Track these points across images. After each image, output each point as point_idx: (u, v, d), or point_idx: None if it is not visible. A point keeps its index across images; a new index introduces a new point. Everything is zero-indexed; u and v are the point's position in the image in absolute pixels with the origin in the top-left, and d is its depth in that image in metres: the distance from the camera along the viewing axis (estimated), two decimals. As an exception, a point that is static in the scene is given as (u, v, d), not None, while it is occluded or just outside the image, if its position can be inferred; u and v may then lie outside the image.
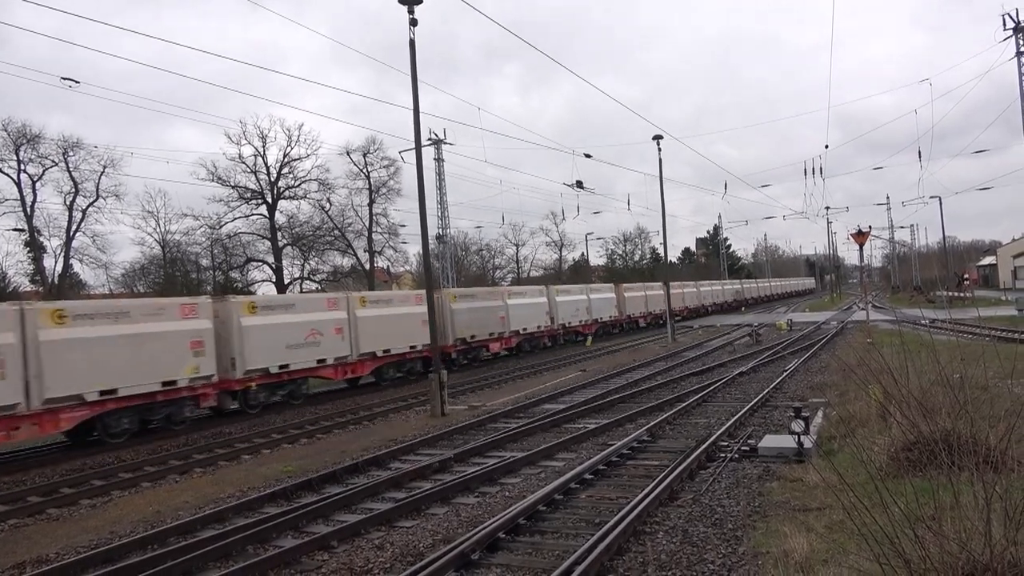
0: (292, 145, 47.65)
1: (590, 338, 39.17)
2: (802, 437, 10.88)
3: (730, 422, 13.75)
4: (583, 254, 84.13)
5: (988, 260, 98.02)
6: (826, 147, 73.89)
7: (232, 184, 46.90)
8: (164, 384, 17.24)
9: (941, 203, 66.35)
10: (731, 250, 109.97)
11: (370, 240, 51.86)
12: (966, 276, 65.82)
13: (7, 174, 40.44)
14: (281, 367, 20.59)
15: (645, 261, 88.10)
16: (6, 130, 39.57)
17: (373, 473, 12.26)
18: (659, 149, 36.68)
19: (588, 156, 35.96)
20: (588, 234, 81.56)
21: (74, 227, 42.74)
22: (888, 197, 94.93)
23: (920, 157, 44.41)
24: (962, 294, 57.15)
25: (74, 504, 11.88)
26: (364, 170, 51.26)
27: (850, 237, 32.55)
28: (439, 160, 45.65)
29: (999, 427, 6.99)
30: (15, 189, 40.81)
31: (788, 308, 71.84)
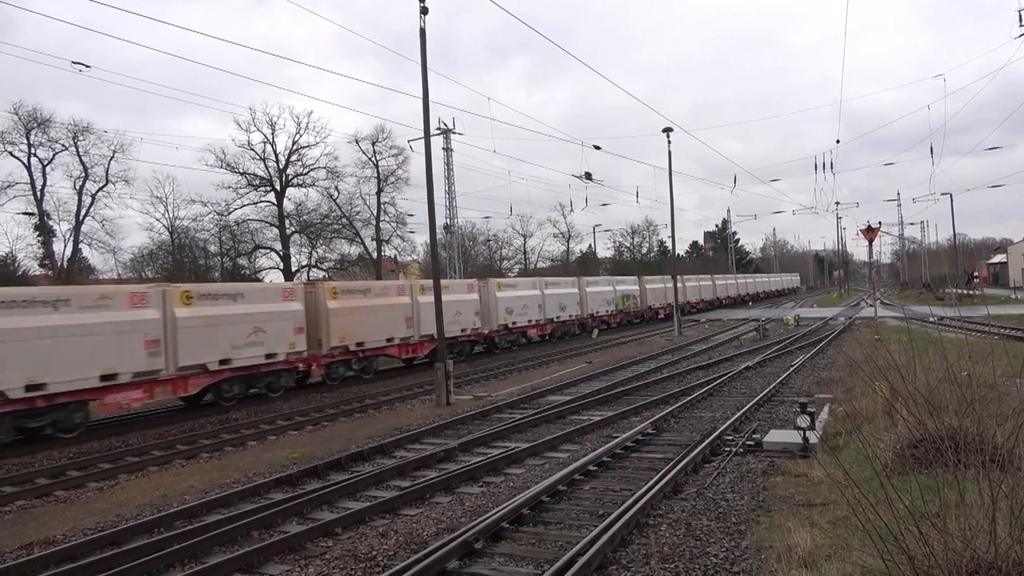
0: (301, 133, 47.65)
1: (596, 331, 39.12)
2: (807, 432, 10.86)
3: (735, 416, 13.74)
4: (591, 246, 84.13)
5: (999, 258, 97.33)
6: (837, 142, 73.60)
7: (241, 171, 47.02)
8: None
9: (952, 200, 65.90)
10: (739, 244, 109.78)
11: (378, 229, 51.90)
12: (976, 274, 65.45)
13: (17, 157, 40.66)
14: (32, 388, 14.60)
15: (653, 254, 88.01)
16: (17, 114, 39.73)
17: (378, 461, 12.31)
18: (668, 142, 36.59)
19: (598, 148, 35.91)
20: (596, 226, 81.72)
21: (83, 211, 42.94)
22: (899, 193, 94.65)
23: (932, 153, 44.27)
24: (972, 292, 56.87)
25: (81, 487, 11.98)
26: (372, 158, 51.19)
27: (859, 233, 32.38)
28: (448, 150, 45.56)
29: (1006, 425, 6.96)
30: (25, 173, 41.05)
31: (796, 303, 71.65)
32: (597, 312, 40.62)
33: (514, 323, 32.41)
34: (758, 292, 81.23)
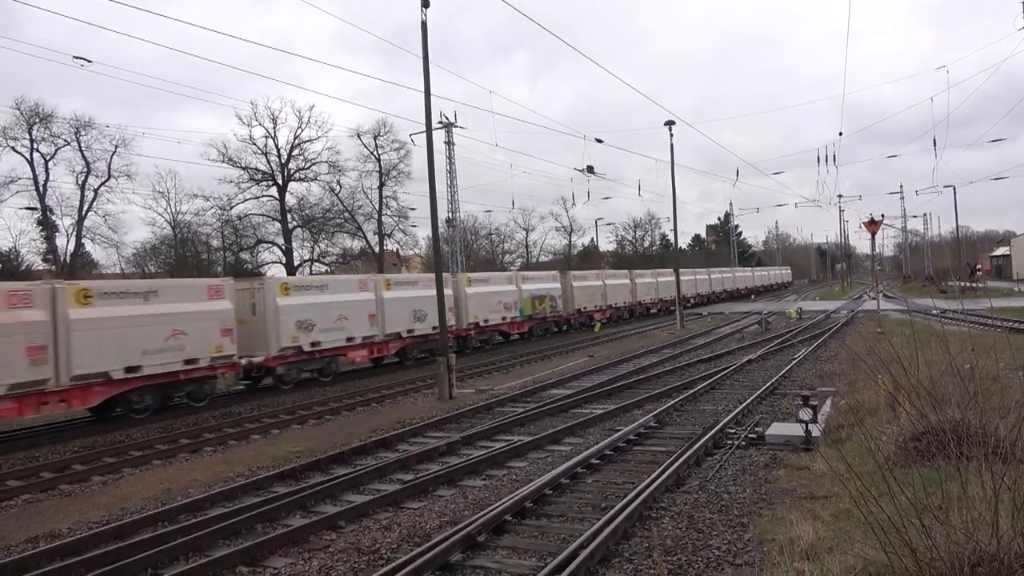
0: (303, 127, 47.62)
1: (598, 324, 39.10)
2: (810, 425, 10.86)
3: (737, 409, 13.75)
4: (593, 239, 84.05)
5: (1002, 251, 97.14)
6: (840, 135, 73.20)
7: (243, 165, 47.01)
8: None
9: (955, 192, 65.85)
10: (742, 237, 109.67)
11: (380, 223, 51.89)
12: (979, 266, 65.33)
13: (20, 153, 40.71)
14: None
15: (655, 247, 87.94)
16: (19, 109, 39.76)
17: (381, 455, 12.34)
18: (671, 135, 36.48)
19: (600, 141, 35.82)
20: (598, 219, 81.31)
21: (86, 206, 42.99)
22: (901, 186, 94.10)
23: (935, 146, 44.24)
24: (974, 284, 56.77)
25: (86, 480, 12.03)
26: (374, 152, 51.16)
27: (862, 226, 32.31)
28: (449, 143, 45.47)
29: (1009, 418, 6.95)
30: (28, 168, 41.10)
31: (798, 296, 71.58)
32: (487, 321, 30.11)
33: (316, 343, 21.67)
34: (738, 288, 68.78)
